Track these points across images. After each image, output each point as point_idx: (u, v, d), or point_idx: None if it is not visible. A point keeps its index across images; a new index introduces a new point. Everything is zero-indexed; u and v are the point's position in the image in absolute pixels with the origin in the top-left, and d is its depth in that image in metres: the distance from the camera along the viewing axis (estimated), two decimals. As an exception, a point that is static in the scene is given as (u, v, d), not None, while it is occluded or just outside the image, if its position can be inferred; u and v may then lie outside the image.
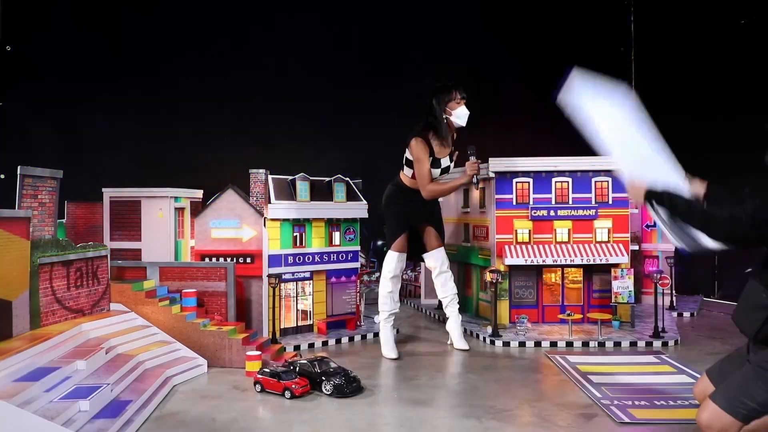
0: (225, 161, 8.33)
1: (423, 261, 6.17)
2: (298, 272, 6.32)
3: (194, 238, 6.23)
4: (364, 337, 6.41)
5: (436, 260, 5.90)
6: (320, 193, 6.53)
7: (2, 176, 7.22)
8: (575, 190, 6.64)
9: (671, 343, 5.95)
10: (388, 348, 5.63)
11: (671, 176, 3.23)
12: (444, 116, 5.53)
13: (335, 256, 6.60)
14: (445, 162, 5.66)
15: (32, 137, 7.83)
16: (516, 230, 6.65)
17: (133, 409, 3.89)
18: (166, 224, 6.57)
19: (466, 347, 5.81)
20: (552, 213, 6.62)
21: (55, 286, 4.83)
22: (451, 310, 5.92)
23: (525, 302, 6.75)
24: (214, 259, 6.02)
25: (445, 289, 5.93)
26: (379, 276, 7.87)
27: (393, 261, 5.78)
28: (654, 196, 3.10)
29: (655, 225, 8.11)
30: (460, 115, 5.52)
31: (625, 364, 5.24)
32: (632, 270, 6.47)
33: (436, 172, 5.61)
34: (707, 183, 3.12)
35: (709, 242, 2.95)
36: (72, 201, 6.71)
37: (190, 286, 5.67)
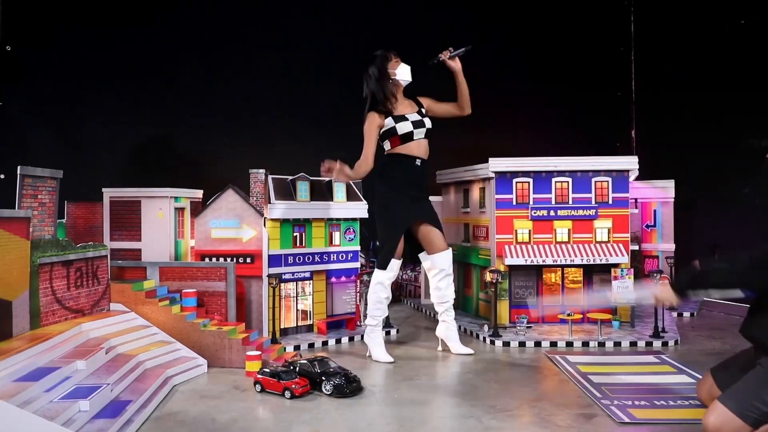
0: (225, 161, 8.33)
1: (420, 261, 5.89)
2: (298, 272, 6.32)
3: (194, 238, 6.23)
4: (364, 337, 6.40)
5: (443, 263, 5.62)
6: (320, 193, 6.53)
7: (2, 176, 7.22)
8: (575, 190, 6.64)
9: (671, 343, 5.95)
10: (383, 352, 5.50)
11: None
12: (390, 80, 5.58)
13: (335, 256, 6.60)
14: (413, 116, 5.58)
15: (32, 137, 7.82)
16: (516, 230, 6.65)
17: (133, 409, 3.88)
18: (166, 224, 6.57)
19: (470, 351, 5.61)
20: (552, 213, 6.62)
21: (55, 286, 4.83)
22: (449, 316, 5.72)
23: (525, 302, 6.75)
24: (214, 259, 6.02)
25: (447, 293, 5.67)
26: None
27: (396, 269, 5.61)
28: (681, 285, 3.16)
29: (654, 225, 8.11)
30: (401, 72, 5.60)
31: (625, 364, 5.23)
32: (632, 270, 6.47)
33: (406, 125, 5.52)
34: (697, 261, 3.18)
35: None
36: (72, 201, 6.71)
37: (190, 286, 5.67)
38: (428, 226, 5.67)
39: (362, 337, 6.01)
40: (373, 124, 5.56)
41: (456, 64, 5.59)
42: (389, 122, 5.57)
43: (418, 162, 5.61)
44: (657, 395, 4.35)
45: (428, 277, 5.84)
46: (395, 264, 5.60)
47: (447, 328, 5.76)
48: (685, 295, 3.18)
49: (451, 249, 5.74)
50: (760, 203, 2.95)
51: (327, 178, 5.28)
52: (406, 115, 5.60)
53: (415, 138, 5.58)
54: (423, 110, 5.73)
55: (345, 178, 5.40)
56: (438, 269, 5.67)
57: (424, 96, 5.86)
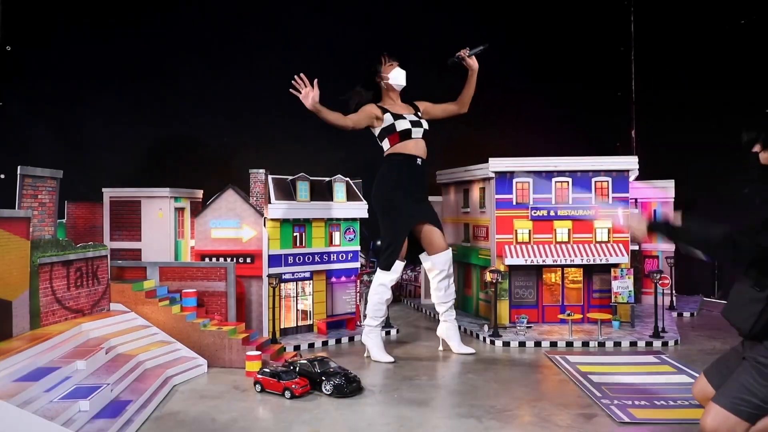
0: (225, 161, 8.32)
1: (420, 262, 5.89)
2: (298, 272, 6.32)
3: (194, 238, 6.23)
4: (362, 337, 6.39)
5: (443, 263, 5.64)
6: (320, 193, 6.53)
7: (2, 176, 7.22)
8: (575, 190, 6.64)
9: (671, 343, 5.95)
10: (382, 353, 5.51)
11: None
12: (383, 83, 5.73)
13: (335, 256, 6.60)
14: (410, 117, 5.66)
15: (32, 137, 7.82)
16: (516, 230, 6.65)
17: (133, 409, 3.89)
18: (166, 224, 6.57)
19: (472, 351, 5.63)
20: (552, 213, 6.62)
21: (55, 286, 4.83)
22: (450, 316, 5.74)
23: (525, 302, 6.75)
24: (214, 259, 6.02)
25: (447, 294, 5.69)
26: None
27: (399, 270, 5.61)
28: (655, 228, 3.23)
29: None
30: (394, 76, 5.68)
31: (625, 364, 5.23)
32: (632, 270, 6.47)
33: (404, 123, 5.59)
34: (680, 213, 3.25)
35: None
36: (72, 201, 6.71)
37: (190, 286, 5.67)
38: (429, 226, 5.68)
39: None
40: (368, 109, 5.62)
41: (474, 63, 5.71)
42: (388, 119, 5.62)
43: (418, 161, 5.65)
44: (657, 395, 4.35)
45: (429, 278, 5.85)
46: (399, 266, 5.60)
47: (448, 327, 5.76)
48: (654, 234, 3.26)
49: (450, 249, 5.75)
50: (760, 203, 2.97)
51: (297, 94, 5.28)
52: (404, 115, 5.67)
53: (413, 136, 5.63)
54: (419, 113, 5.80)
55: (311, 105, 5.19)
56: (438, 270, 5.68)
57: (420, 100, 5.92)
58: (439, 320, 5.86)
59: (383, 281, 5.59)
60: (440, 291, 5.70)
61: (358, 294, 6.75)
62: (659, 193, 8.05)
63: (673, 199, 8.04)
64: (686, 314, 7.51)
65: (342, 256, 6.65)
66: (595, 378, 4.78)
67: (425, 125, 5.71)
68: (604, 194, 6.63)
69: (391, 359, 5.42)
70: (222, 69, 8.63)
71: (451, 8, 9.15)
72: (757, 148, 3.04)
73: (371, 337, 5.60)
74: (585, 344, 5.92)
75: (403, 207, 5.55)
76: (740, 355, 2.99)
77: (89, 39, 8.07)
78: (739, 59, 8.06)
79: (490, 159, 6.61)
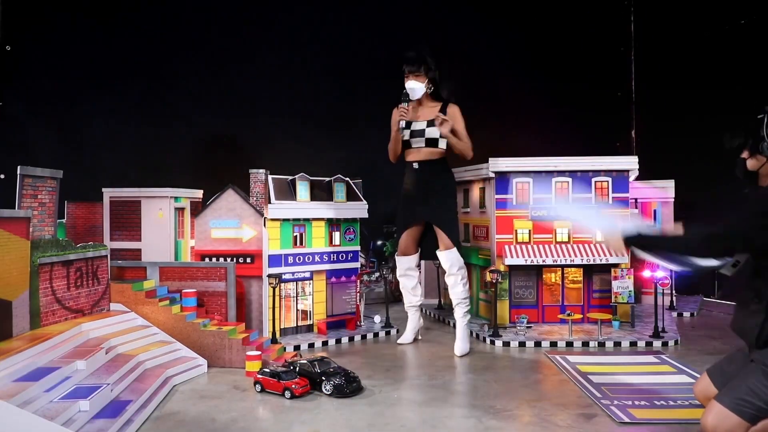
0: (225, 161, 8.33)
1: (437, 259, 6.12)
2: (298, 272, 6.32)
3: (194, 238, 6.23)
4: (364, 337, 6.41)
5: (443, 262, 5.84)
6: (320, 193, 6.53)
7: (2, 176, 7.22)
8: (575, 190, 6.64)
9: (671, 343, 5.95)
10: (405, 333, 6.10)
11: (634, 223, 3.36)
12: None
13: (335, 256, 6.60)
14: (418, 125, 5.78)
15: (32, 137, 7.83)
16: (516, 230, 6.65)
17: (133, 409, 3.89)
18: (166, 224, 6.57)
19: (459, 353, 5.63)
20: (552, 213, 6.61)
21: (55, 286, 4.83)
22: (456, 314, 5.84)
23: (525, 302, 6.75)
24: (214, 259, 6.02)
25: (453, 292, 5.83)
26: (379, 276, 7.86)
27: (400, 265, 6.08)
28: (632, 240, 3.17)
29: (655, 225, 8.11)
30: (408, 90, 5.77)
31: (625, 364, 5.24)
32: (632, 270, 6.48)
33: (405, 133, 5.80)
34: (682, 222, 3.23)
35: (701, 262, 3.05)
36: (72, 201, 6.71)
37: (190, 286, 5.67)
38: (435, 226, 5.87)
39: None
40: (393, 127, 5.89)
41: (443, 129, 5.62)
42: (402, 125, 5.83)
43: (415, 165, 5.84)
44: (657, 395, 4.36)
45: None
46: (400, 259, 6.02)
47: (456, 325, 5.88)
48: (630, 245, 3.20)
49: (454, 249, 5.79)
50: (748, 194, 3.00)
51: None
52: (414, 123, 5.80)
53: (413, 146, 5.84)
54: (441, 117, 5.65)
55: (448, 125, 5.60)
56: (444, 266, 5.91)
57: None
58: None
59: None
60: (448, 287, 5.96)
61: (358, 294, 6.75)
62: (659, 193, 8.05)
63: (673, 199, 8.04)
64: (686, 314, 7.51)
65: (342, 256, 6.65)
66: (595, 378, 4.78)
67: (429, 134, 5.73)
68: (604, 194, 6.63)
69: (404, 341, 6.04)
70: (222, 69, 8.64)
71: (451, 8, 9.15)
72: (745, 154, 3.05)
73: (408, 318, 6.13)
74: (585, 344, 5.92)
75: (400, 211, 6.02)
76: (746, 356, 3.00)
77: (89, 39, 8.07)
78: (739, 59, 8.05)
79: (489, 159, 6.61)
